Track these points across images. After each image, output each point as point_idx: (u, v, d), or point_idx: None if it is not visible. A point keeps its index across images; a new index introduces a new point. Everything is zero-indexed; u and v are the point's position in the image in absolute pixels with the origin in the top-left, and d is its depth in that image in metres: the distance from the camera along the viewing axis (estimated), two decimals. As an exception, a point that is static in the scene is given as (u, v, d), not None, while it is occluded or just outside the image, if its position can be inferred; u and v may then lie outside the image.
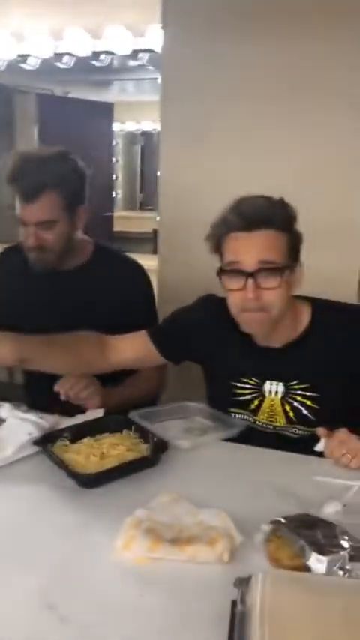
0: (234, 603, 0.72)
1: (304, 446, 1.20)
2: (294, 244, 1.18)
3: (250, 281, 1.14)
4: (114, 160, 5.67)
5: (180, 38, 2.07)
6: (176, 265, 2.18)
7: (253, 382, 1.30)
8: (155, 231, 4.77)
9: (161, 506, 0.95)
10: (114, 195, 5.50)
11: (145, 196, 6.09)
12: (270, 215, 1.15)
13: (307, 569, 0.81)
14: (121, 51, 2.66)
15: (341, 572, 0.80)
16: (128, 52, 2.65)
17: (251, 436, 1.29)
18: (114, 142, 5.71)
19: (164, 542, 0.86)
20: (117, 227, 5.03)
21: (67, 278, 1.51)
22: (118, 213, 5.43)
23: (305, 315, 1.27)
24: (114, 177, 5.59)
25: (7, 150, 5.59)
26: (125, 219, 5.45)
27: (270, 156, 2.02)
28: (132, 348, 1.35)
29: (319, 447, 1.18)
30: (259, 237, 1.15)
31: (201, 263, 2.15)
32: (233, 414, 1.33)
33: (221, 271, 1.19)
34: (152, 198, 6.00)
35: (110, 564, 0.85)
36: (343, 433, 1.14)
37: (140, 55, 2.68)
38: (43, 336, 1.23)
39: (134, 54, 2.67)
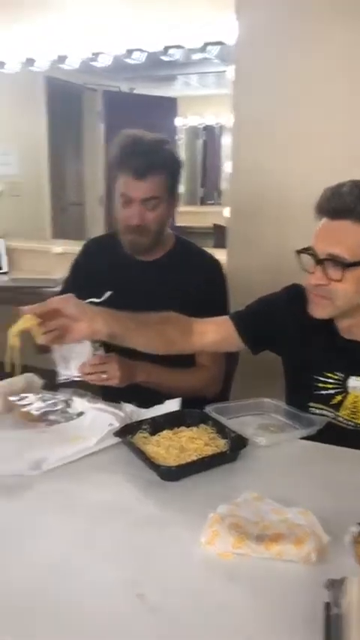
0: (327, 606, 0.70)
1: None
2: None
3: (319, 267, 1.15)
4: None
5: (254, 28, 2.04)
6: (246, 257, 2.16)
7: (336, 377, 1.27)
8: (216, 226, 4.78)
9: (246, 502, 0.94)
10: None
11: (206, 191, 6.07)
12: (354, 204, 1.12)
13: None
14: (192, 44, 2.66)
15: None
16: (200, 44, 2.64)
17: (329, 431, 1.26)
18: (177, 137, 5.72)
19: (249, 538, 0.85)
20: (178, 222, 5.05)
21: (150, 267, 1.56)
22: (180, 208, 5.44)
23: None
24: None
25: (76, 146, 5.72)
26: (186, 214, 5.45)
27: (349, 146, 1.96)
28: (214, 332, 1.35)
29: None
30: (337, 227, 1.13)
31: (270, 255, 2.14)
32: (313, 409, 1.30)
33: (298, 251, 1.20)
34: (213, 193, 5.98)
35: (195, 558, 0.85)
36: None
37: (210, 47, 2.66)
38: (132, 313, 1.26)
39: (204, 47, 2.65)
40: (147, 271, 1.57)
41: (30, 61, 3.23)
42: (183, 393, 1.37)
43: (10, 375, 1.23)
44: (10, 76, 3.42)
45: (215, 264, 1.60)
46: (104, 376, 1.35)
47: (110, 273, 1.60)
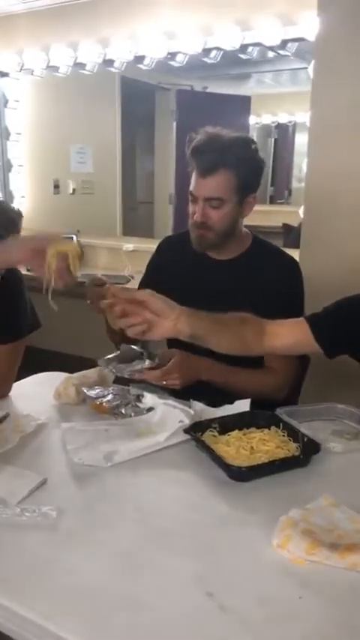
0: None
1: None
2: None
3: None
4: (248, 153, 5.64)
5: (337, 23, 1.98)
6: (321, 257, 2.11)
7: None
8: (285, 225, 4.70)
9: (319, 509, 0.92)
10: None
11: (276, 190, 5.99)
12: None
13: None
14: (270, 41, 2.61)
15: None
16: (278, 42, 2.59)
17: None
18: (249, 135, 5.68)
19: (323, 546, 0.83)
20: (247, 221, 5.01)
21: (225, 267, 1.55)
22: (250, 206, 5.39)
23: None
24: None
25: (147, 145, 5.81)
26: (255, 213, 5.39)
27: None
28: (288, 334, 1.31)
29: None
30: None
31: (345, 256, 2.08)
32: None
33: None
34: (283, 191, 5.89)
35: (267, 560, 0.84)
36: None
37: (289, 44, 2.60)
38: (212, 314, 1.26)
39: (283, 44, 2.60)
40: (221, 270, 1.56)
41: (108, 62, 3.29)
42: (248, 395, 1.35)
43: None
44: (89, 76, 3.51)
45: (294, 264, 1.57)
46: (164, 383, 1.35)
47: (184, 271, 1.60)
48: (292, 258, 1.57)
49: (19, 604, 0.76)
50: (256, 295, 1.47)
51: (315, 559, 0.83)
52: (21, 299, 1.44)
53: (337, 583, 0.80)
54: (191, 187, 1.46)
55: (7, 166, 4.03)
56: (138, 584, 0.80)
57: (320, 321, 1.30)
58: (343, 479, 1.08)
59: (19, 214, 2.86)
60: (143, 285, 1.67)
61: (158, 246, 1.73)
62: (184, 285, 1.56)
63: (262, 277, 1.51)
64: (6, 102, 3.93)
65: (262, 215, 5.54)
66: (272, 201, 5.98)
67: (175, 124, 5.08)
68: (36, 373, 1.59)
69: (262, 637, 0.71)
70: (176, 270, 1.61)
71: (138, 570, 0.83)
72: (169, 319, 1.18)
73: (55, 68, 3.50)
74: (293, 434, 1.17)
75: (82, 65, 3.39)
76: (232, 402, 1.32)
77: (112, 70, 3.37)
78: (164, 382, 1.35)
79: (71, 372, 1.46)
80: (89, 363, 1.48)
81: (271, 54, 2.86)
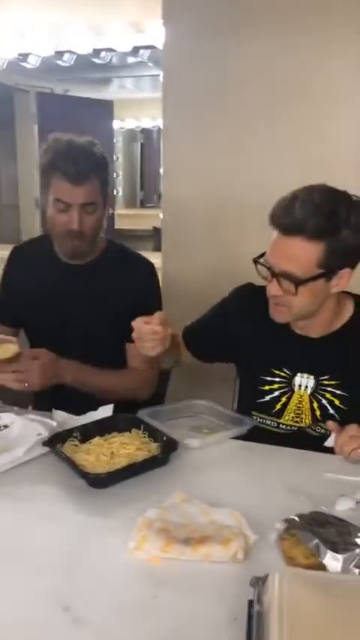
0: (250, 603, 0.71)
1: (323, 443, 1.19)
2: (332, 250, 1.11)
3: (274, 280, 1.17)
4: (114, 157, 5.66)
5: (181, 33, 2.06)
6: (180, 262, 2.17)
7: (283, 374, 1.30)
8: (156, 229, 4.79)
9: (173, 506, 0.95)
10: (115, 192, 5.48)
11: (146, 194, 6.08)
12: (304, 221, 1.09)
13: (323, 567, 0.80)
14: (122, 47, 2.64)
15: (357, 571, 0.79)
16: (129, 48, 2.63)
17: (264, 435, 1.28)
18: (114, 140, 5.69)
19: (177, 542, 0.85)
20: (118, 225, 5.03)
21: (81, 272, 1.53)
22: (119, 210, 5.42)
23: (347, 312, 1.27)
24: (114, 175, 5.57)
25: (7, 149, 5.58)
26: (126, 217, 5.44)
27: (274, 150, 2.01)
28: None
29: (329, 442, 1.17)
30: (290, 244, 1.12)
31: (204, 259, 2.17)
32: (256, 418, 1.33)
33: (255, 260, 1.21)
34: (152, 195, 5.99)
35: (124, 565, 0.84)
36: (353, 428, 1.14)
37: (141, 51, 2.66)
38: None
39: (135, 50, 2.65)
40: (79, 275, 1.54)
41: None
42: (114, 396, 1.36)
43: None
44: None
45: (150, 267, 1.59)
46: (22, 378, 1.31)
47: (39, 278, 1.56)
48: (146, 260, 1.60)
49: None
50: (114, 300, 1.50)
51: (170, 556, 0.84)
52: None
53: (192, 576, 0.83)
54: (59, 196, 1.39)
55: None
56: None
57: (195, 336, 1.44)
58: (199, 473, 1.12)
59: None
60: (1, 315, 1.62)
61: (10, 255, 1.66)
62: (41, 293, 1.54)
63: (119, 281, 1.52)
64: None
65: (134, 218, 5.62)
66: (142, 205, 6.06)
67: (36, 127, 4.95)
68: None
69: (116, 643, 0.72)
70: (32, 280, 1.57)
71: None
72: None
73: None
74: (154, 434, 1.19)
75: None
76: (96, 409, 1.31)
77: None
78: (26, 384, 1.31)
79: None
80: None
81: (129, 60, 2.89)
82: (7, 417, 1.26)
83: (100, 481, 1.03)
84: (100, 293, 1.52)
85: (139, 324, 1.17)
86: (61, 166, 1.37)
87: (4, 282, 1.65)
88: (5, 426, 1.24)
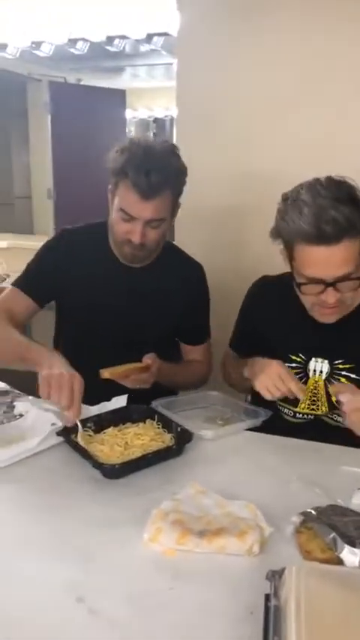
0: (267, 597, 0.70)
1: (341, 434, 1.17)
2: None
3: (328, 289, 1.14)
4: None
5: (196, 19, 2.02)
6: (191, 251, 2.15)
7: (299, 359, 1.30)
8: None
9: (188, 497, 0.94)
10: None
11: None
12: (347, 223, 1.09)
13: (340, 561, 0.79)
14: (135, 34, 2.61)
15: (375, 566, 0.78)
16: (143, 35, 2.60)
17: (280, 426, 1.27)
18: (126, 129, 5.67)
19: (192, 534, 0.84)
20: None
21: (134, 270, 1.47)
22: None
23: (358, 295, 1.24)
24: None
25: (20, 139, 5.57)
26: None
27: (290, 139, 1.97)
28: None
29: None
30: (338, 250, 1.11)
31: (217, 249, 2.14)
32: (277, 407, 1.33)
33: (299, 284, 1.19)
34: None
35: (138, 556, 0.84)
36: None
37: (155, 38, 2.63)
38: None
39: (149, 37, 2.62)
40: (132, 272, 1.47)
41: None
42: (183, 388, 1.42)
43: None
44: None
45: (202, 270, 1.56)
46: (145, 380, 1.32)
47: (90, 268, 1.48)
48: (198, 264, 1.57)
49: None
50: (166, 300, 1.49)
51: (185, 548, 0.84)
52: None
53: (207, 568, 0.82)
54: (124, 206, 1.32)
55: None
56: (6, 598, 0.76)
57: (240, 345, 1.49)
58: (213, 465, 1.11)
59: None
60: (31, 285, 1.48)
61: (57, 241, 1.53)
62: (91, 286, 1.48)
63: (173, 283, 1.49)
64: None
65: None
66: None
67: (49, 116, 4.94)
68: None
69: (131, 634, 0.71)
70: (82, 268, 1.48)
71: (5, 583, 0.79)
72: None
73: None
74: (168, 425, 1.18)
75: None
76: (109, 399, 1.31)
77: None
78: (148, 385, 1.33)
79: None
80: None
81: (142, 48, 2.87)
82: (22, 406, 1.26)
83: (114, 471, 1.02)
84: (153, 292, 1.48)
85: None
86: (132, 175, 1.28)
87: (45, 258, 1.53)
88: (20, 415, 1.24)
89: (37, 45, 2.88)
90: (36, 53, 2.94)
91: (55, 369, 1.15)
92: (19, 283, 1.50)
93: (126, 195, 1.31)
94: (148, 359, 1.33)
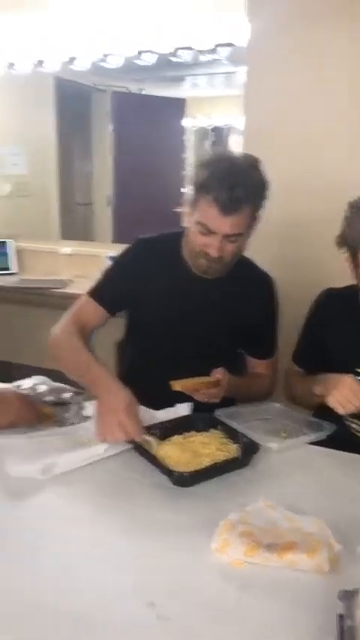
0: (341, 617, 0.69)
1: None
2: None
3: None
4: (185, 155, 5.67)
5: (266, 29, 2.03)
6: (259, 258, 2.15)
7: None
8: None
9: (257, 510, 0.94)
10: (185, 191, 5.50)
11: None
12: None
13: None
14: (202, 46, 2.65)
15: None
16: (210, 46, 2.63)
17: (345, 441, 1.25)
18: (185, 138, 5.71)
19: (261, 547, 0.84)
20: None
21: (208, 282, 1.46)
22: (181, 208, 5.43)
23: None
24: (185, 173, 5.59)
25: (84, 146, 5.73)
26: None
27: (356, 148, 1.95)
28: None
29: None
30: None
31: (285, 257, 2.12)
32: (349, 423, 1.32)
33: None
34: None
35: (207, 565, 0.85)
36: None
37: (220, 49, 2.65)
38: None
39: (214, 48, 2.64)
40: (205, 284, 1.46)
41: (40, 62, 3.23)
42: (247, 401, 1.43)
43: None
44: (20, 77, 3.43)
45: (273, 282, 1.55)
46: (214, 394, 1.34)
47: (165, 278, 1.49)
48: (269, 276, 1.55)
49: None
50: (238, 313, 1.48)
51: (254, 560, 0.84)
52: None
53: (276, 582, 0.82)
54: (203, 219, 1.32)
55: None
56: (77, 600, 0.78)
57: (303, 359, 1.50)
58: (279, 478, 1.10)
59: None
60: (106, 295, 1.49)
61: (134, 250, 1.52)
62: (164, 296, 1.48)
63: (245, 296, 1.49)
64: None
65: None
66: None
67: (111, 125, 5.05)
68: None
69: (201, 642, 0.72)
70: (158, 278, 1.49)
71: (76, 584, 0.81)
72: None
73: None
74: (233, 435, 1.19)
75: (10, 65, 3.31)
76: (172, 405, 1.33)
77: (44, 70, 3.31)
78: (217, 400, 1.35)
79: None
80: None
81: (203, 57, 2.90)
82: (92, 409, 1.27)
83: (184, 480, 1.03)
84: (224, 304, 1.48)
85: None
86: (214, 190, 1.27)
87: (121, 267, 1.53)
88: (89, 417, 1.27)
89: (106, 57, 2.97)
90: (104, 66, 3.02)
91: (112, 395, 1.18)
92: (93, 294, 1.50)
93: (207, 211, 1.30)
94: (218, 374, 1.34)
